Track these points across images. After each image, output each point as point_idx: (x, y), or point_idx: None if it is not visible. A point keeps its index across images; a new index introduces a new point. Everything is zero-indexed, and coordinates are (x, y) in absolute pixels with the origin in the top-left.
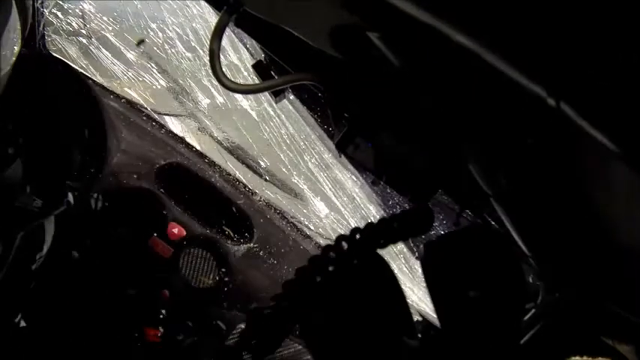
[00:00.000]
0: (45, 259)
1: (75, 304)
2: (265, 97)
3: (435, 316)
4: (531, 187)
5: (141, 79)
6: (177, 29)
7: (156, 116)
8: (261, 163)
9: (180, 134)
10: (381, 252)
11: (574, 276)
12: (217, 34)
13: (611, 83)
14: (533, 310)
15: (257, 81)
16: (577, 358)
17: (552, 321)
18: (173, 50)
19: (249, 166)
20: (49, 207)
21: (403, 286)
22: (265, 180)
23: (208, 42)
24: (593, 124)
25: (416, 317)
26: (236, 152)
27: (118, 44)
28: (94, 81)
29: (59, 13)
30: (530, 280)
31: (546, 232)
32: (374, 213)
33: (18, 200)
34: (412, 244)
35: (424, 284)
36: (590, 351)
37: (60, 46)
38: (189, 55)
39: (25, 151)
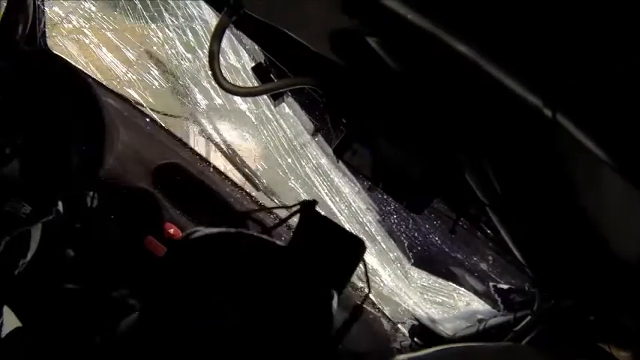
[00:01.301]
0: (38, 258)
1: (67, 302)
2: (264, 100)
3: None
4: (527, 196)
5: (141, 78)
6: (177, 30)
7: (155, 116)
8: (259, 167)
9: (179, 135)
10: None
11: (569, 284)
12: (217, 35)
13: (607, 94)
14: (529, 317)
15: (256, 84)
16: None
17: (549, 327)
18: (173, 51)
19: (246, 169)
20: (37, 214)
21: (399, 292)
22: (262, 183)
23: (208, 43)
24: (589, 135)
25: (411, 321)
26: (234, 155)
27: (118, 43)
28: (94, 79)
29: (60, 12)
30: (526, 288)
31: (541, 241)
32: (370, 219)
33: (8, 204)
34: (407, 250)
35: (419, 290)
36: (588, 356)
37: (60, 44)
38: (189, 56)
39: (23, 151)
